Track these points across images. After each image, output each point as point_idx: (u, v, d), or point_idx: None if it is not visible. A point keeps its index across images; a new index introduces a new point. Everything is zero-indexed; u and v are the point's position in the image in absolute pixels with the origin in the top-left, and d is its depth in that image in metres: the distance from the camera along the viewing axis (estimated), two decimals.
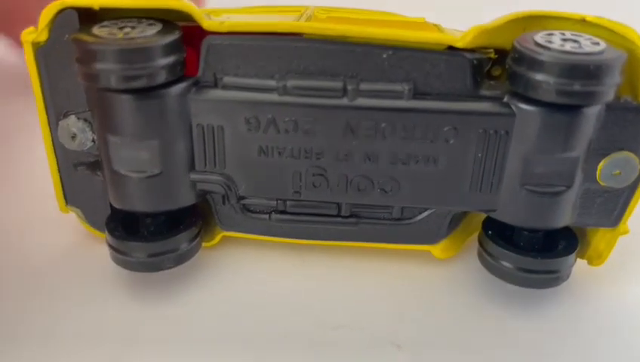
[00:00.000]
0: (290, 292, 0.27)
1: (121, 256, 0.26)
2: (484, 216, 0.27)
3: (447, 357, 0.25)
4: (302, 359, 0.24)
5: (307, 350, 0.25)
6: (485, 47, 0.24)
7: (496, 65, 0.25)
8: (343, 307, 0.27)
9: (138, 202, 0.25)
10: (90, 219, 0.28)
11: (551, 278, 0.26)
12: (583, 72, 0.21)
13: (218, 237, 0.28)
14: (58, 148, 0.26)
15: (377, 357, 0.25)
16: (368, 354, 0.25)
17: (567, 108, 0.23)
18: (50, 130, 0.26)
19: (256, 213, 0.27)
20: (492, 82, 0.24)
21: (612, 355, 0.25)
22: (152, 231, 0.26)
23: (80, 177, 0.27)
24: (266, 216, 0.27)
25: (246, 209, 0.27)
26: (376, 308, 0.27)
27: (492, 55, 0.25)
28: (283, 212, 0.27)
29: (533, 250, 0.26)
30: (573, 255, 0.26)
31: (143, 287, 0.27)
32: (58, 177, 0.27)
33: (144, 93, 0.23)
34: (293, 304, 0.27)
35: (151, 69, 0.22)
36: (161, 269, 0.26)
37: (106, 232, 0.26)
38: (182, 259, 0.27)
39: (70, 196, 0.27)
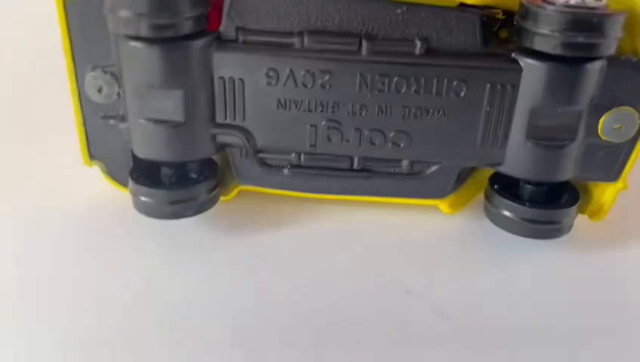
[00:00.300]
0: (304, 243, 0.29)
1: (143, 203, 0.27)
2: (489, 174, 0.29)
3: (451, 301, 0.26)
4: (316, 302, 0.26)
5: (320, 294, 0.26)
6: (494, 7, 0.26)
7: (503, 28, 0.27)
8: (354, 256, 0.28)
9: (161, 152, 0.27)
10: (112, 172, 0.29)
11: (553, 229, 0.27)
12: (587, 25, 0.23)
13: (235, 191, 0.29)
14: (84, 102, 0.27)
15: (387, 300, 0.26)
16: (378, 298, 0.26)
17: (571, 62, 0.24)
18: (78, 84, 0.27)
19: (272, 166, 0.28)
20: (500, 40, 0.26)
21: (610, 304, 0.26)
22: (173, 182, 0.28)
23: (104, 131, 0.28)
24: (282, 170, 0.28)
25: (262, 162, 0.28)
26: (386, 257, 0.28)
27: (500, 15, 0.26)
28: (298, 166, 0.28)
29: (537, 203, 0.27)
30: (575, 207, 0.27)
31: (162, 236, 0.29)
32: (83, 131, 0.28)
33: (171, 43, 0.24)
34: (307, 253, 0.28)
35: (178, 19, 0.24)
36: (182, 217, 0.28)
37: (130, 180, 0.27)
38: (201, 208, 0.28)
39: (94, 150, 0.29)
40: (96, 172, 0.30)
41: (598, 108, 0.25)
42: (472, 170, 0.29)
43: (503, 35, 0.27)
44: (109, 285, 0.26)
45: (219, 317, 0.25)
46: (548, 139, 0.25)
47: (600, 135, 0.26)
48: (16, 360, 0.23)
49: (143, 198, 0.27)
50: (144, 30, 0.24)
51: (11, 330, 0.24)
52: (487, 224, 0.28)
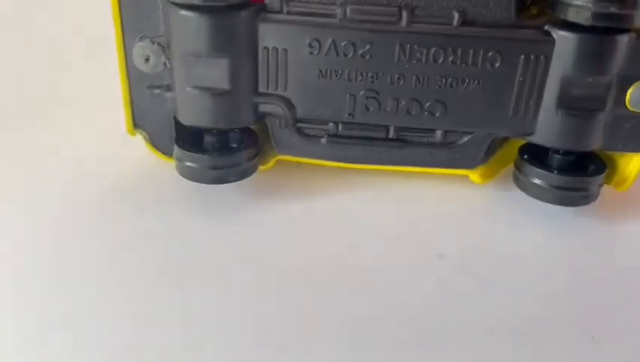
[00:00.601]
0: (339, 210, 0.30)
1: (188, 168, 0.28)
2: (517, 147, 0.30)
3: (484, 265, 0.27)
4: (351, 264, 0.27)
5: (355, 258, 0.27)
6: None
7: (533, 5, 0.28)
8: (388, 223, 0.29)
9: (207, 119, 0.28)
10: (155, 141, 0.30)
11: (582, 196, 0.28)
12: None
13: (273, 161, 0.31)
14: (131, 72, 0.29)
15: (421, 264, 0.27)
16: (412, 261, 0.27)
17: (601, 34, 0.25)
18: (125, 55, 0.28)
19: (310, 136, 0.29)
20: (533, 13, 0.27)
21: (634, 270, 0.27)
22: (216, 149, 0.29)
23: (149, 101, 0.29)
24: (320, 140, 0.29)
25: (301, 132, 0.29)
26: (419, 224, 0.29)
27: None
28: (335, 135, 0.29)
29: (566, 171, 0.28)
30: (602, 176, 0.28)
31: (202, 203, 0.30)
32: (129, 100, 0.29)
33: (220, 12, 0.26)
34: (342, 220, 0.29)
35: None
36: (223, 182, 0.29)
37: (176, 147, 0.29)
38: (242, 174, 0.29)
39: (138, 119, 0.30)
40: (137, 141, 0.31)
41: (626, 79, 0.26)
42: (502, 142, 0.30)
43: (533, 12, 0.28)
44: (150, 249, 0.27)
45: (259, 279, 0.26)
46: (578, 108, 0.27)
47: (627, 106, 0.27)
48: (51, 322, 0.24)
49: (187, 163, 0.28)
50: None
51: (50, 289, 0.25)
52: (516, 194, 0.29)
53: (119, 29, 0.28)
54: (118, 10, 0.28)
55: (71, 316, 0.24)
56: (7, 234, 0.28)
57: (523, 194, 0.29)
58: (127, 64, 0.29)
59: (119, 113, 0.30)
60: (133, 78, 0.29)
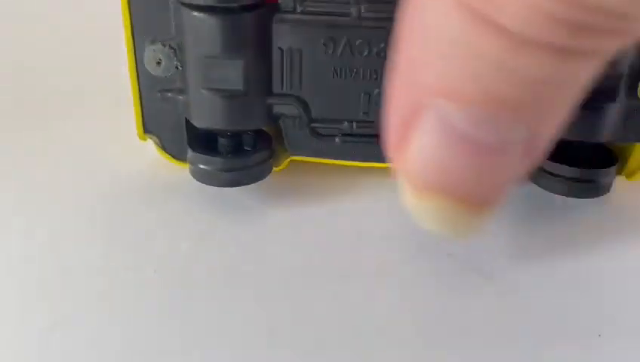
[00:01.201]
0: (353, 209, 0.30)
1: (201, 171, 0.28)
2: None
3: (493, 262, 0.27)
4: (360, 261, 0.27)
5: (364, 256, 0.27)
6: None
7: None
8: (394, 222, 0.29)
9: (221, 121, 0.28)
10: (167, 146, 0.30)
11: (594, 188, 0.28)
12: None
13: (286, 162, 0.30)
14: (141, 75, 0.28)
15: (429, 261, 0.27)
16: (420, 259, 0.27)
17: None
18: (135, 58, 0.28)
19: (324, 136, 0.29)
20: None
21: None
22: (230, 151, 0.29)
23: (160, 105, 0.29)
24: (334, 139, 0.29)
25: (315, 132, 0.29)
26: None
27: None
28: (349, 134, 0.29)
29: (577, 164, 0.28)
30: (614, 167, 0.28)
31: (215, 205, 0.30)
32: (139, 104, 0.29)
33: (233, 13, 0.26)
34: (355, 219, 0.29)
35: None
36: (239, 185, 0.29)
37: (189, 150, 0.28)
38: (258, 176, 0.29)
39: (149, 124, 0.30)
40: (148, 146, 0.30)
41: (638, 70, 0.27)
42: None
43: None
44: (159, 250, 0.27)
45: (270, 280, 0.26)
46: (589, 100, 0.27)
47: (639, 97, 0.27)
48: (52, 321, 0.24)
49: (201, 166, 0.28)
50: None
51: (51, 289, 0.25)
52: (526, 187, 0.30)
53: (129, 32, 0.28)
54: (128, 13, 0.27)
55: (72, 316, 0.24)
56: (9, 233, 0.28)
57: (533, 187, 0.29)
58: (137, 68, 0.28)
59: (127, 118, 0.30)
60: (144, 81, 0.28)
